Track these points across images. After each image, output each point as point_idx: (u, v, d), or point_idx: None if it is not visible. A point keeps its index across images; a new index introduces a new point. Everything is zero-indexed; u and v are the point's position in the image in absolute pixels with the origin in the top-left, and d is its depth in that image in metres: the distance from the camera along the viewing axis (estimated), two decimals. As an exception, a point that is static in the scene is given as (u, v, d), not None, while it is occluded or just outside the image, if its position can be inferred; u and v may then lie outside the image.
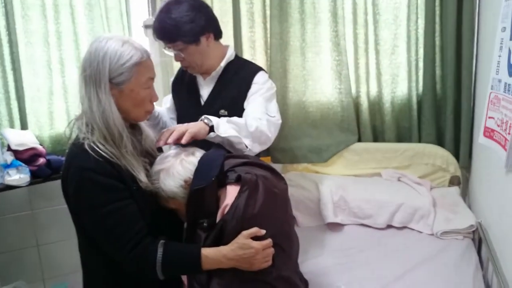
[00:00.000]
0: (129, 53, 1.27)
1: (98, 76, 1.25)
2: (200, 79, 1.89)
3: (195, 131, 1.40)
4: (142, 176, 1.30)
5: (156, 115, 1.96)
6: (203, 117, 1.51)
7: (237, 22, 2.45)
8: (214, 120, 1.50)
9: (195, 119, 1.80)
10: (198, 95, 1.89)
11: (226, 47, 1.89)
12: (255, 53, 2.52)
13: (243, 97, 1.81)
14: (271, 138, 1.72)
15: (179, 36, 1.70)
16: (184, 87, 1.94)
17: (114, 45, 1.26)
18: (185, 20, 1.68)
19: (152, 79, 1.35)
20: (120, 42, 1.27)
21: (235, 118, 1.60)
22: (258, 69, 1.88)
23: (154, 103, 1.40)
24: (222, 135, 1.49)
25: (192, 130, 1.39)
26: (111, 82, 1.26)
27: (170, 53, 1.78)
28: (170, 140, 1.36)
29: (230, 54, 1.87)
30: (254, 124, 1.63)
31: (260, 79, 1.83)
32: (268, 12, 2.47)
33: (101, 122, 1.26)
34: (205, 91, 1.87)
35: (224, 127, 1.51)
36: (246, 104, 1.79)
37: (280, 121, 1.81)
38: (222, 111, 1.79)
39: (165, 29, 1.70)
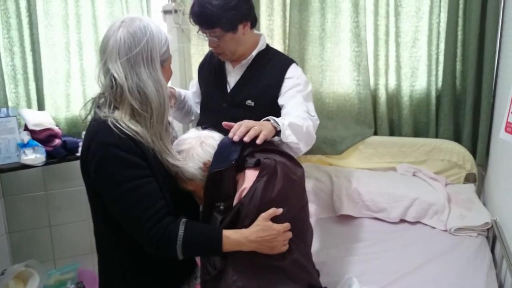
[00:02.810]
0: (163, 31, 1.31)
1: (149, 54, 1.25)
2: (228, 66, 1.86)
3: (267, 134, 1.37)
4: (170, 157, 1.31)
5: (182, 99, 1.95)
6: (270, 118, 1.47)
7: (256, 10, 2.40)
8: (280, 124, 1.46)
9: (220, 104, 1.80)
10: (225, 82, 1.86)
11: (259, 35, 1.85)
12: (272, 42, 2.51)
13: (274, 90, 1.77)
14: (315, 139, 1.69)
15: (219, 23, 1.66)
16: (211, 72, 1.92)
17: (152, 24, 1.28)
18: (227, 7, 1.64)
19: None
20: (151, 21, 1.30)
21: (294, 120, 1.55)
22: (290, 61, 1.84)
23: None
24: (285, 140, 1.47)
25: (265, 133, 1.35)
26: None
27: (204, 38, 1.75)
28: (246, 139, 1.31)
29: (262, 43, 1.83)
30: (304, 125, 1.59)
31: (293, 73, 1.79)
32: (288, 0, 2.45)
33: (156, 99, 1.26)
34: (232, 79, 1.85)
35: (287, 131, 1.48)
36: (283, 100, 1.75)
37: (318, 121, 1.76)
38: (248, 102, 1.78)
39: (206, 15, 1.65)
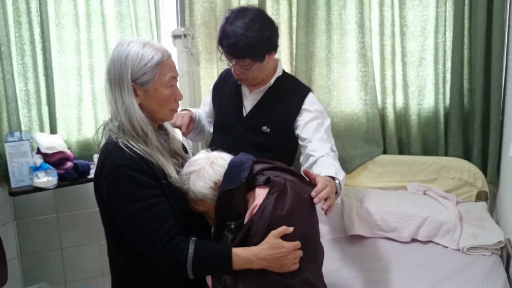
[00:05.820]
0: (150, 53, 1.30)
1: (121, 78, 1.29)
2: (245, 90, 1.87)
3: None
4: (171, 171, 1.33)
5: (197, 119, 1.96)
6: (336, 179, 1.49)
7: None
8: (340, 185, 1.50)
9: (235, 127, 1.83)
10: (241, 105, 1.87)
11: (276, 60, 1.87)
12: (280, 64, 2.54)
13: (291, 119, 1.80)
14: None
15: (251, 54, 1.67)
16: (226, 93, 1.93)
17: (136, 47, 1.30)
18: (261, 39, 1.65)
19: (174, 77, 1.37)
20: (141, 44, 1.31)
21: (343, 175, 1.58)
22: (307, 90, 1.86)
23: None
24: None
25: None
26: (135, 82, 1.30)
27: (228, 64, 1.77)
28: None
29: (279, 69, 1.85)
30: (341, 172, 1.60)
31: (311, 105, 1.81)
32: (294, 23, 2.49)
33: (126, 121, 1.30)
34: (249, 103, 1.86)
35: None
36: (305, 134, 1.76)
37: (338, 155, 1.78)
38: (264, 128, 1.80)
39: (240, 47, 1.65)
